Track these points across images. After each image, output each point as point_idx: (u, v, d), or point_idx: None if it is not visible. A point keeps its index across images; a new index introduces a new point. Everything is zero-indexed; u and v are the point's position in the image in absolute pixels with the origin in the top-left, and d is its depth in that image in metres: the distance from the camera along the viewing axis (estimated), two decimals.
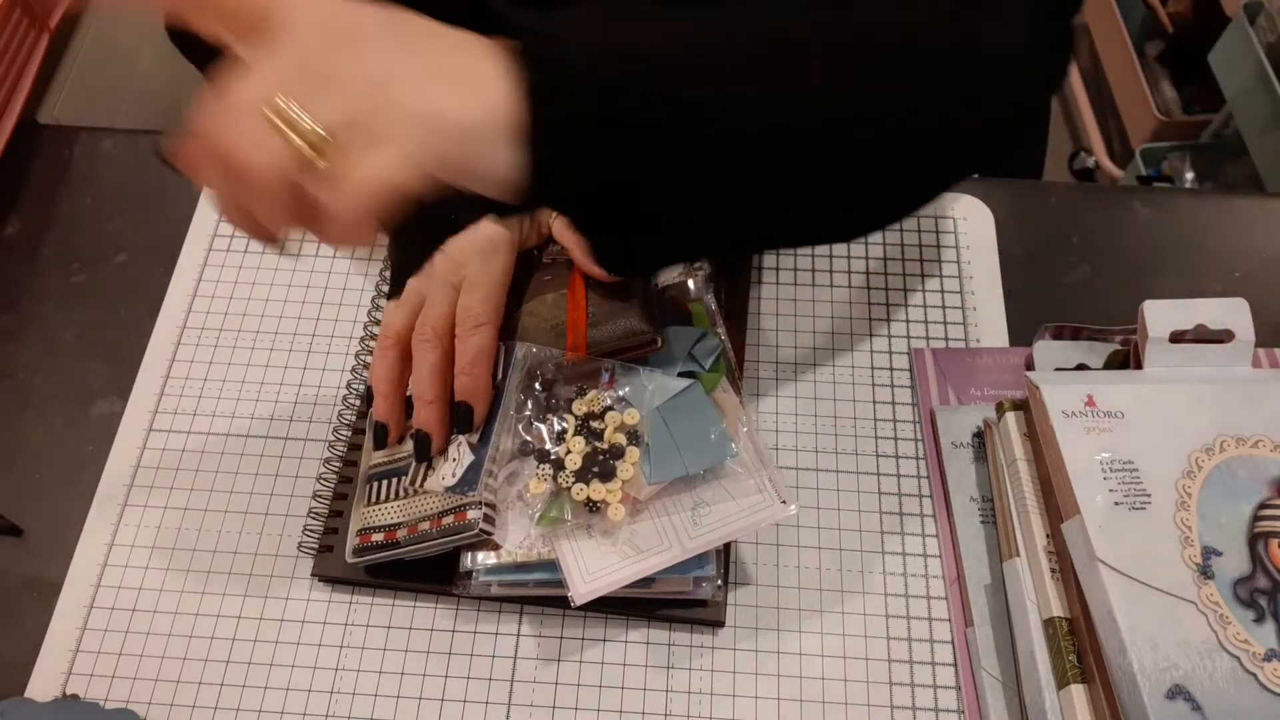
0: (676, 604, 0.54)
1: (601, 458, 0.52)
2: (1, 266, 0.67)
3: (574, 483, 0.51)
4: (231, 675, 0.54)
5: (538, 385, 0.54)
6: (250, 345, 0.64)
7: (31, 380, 0.63)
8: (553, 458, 0.52)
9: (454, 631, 0.55)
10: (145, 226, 0.69)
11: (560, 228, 0.58)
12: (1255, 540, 0.48)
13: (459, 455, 0.53)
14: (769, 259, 0.66)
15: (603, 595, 0.49)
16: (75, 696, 0.53)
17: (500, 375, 0.55)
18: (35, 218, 0.69)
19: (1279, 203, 0.70)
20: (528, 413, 0.54)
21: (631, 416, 0.52)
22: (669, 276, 0.58)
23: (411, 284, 0.57)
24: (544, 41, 0.38)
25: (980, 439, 0.58)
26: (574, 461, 0.51)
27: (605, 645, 0.54)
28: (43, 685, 0.54)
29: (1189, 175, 1.61)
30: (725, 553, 0.55)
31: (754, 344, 0.63)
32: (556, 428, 0.53)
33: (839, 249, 0.67)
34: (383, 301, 0.62)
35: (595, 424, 0.52)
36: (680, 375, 0.54)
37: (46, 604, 0.56)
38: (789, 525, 0.57)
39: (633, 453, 0.51)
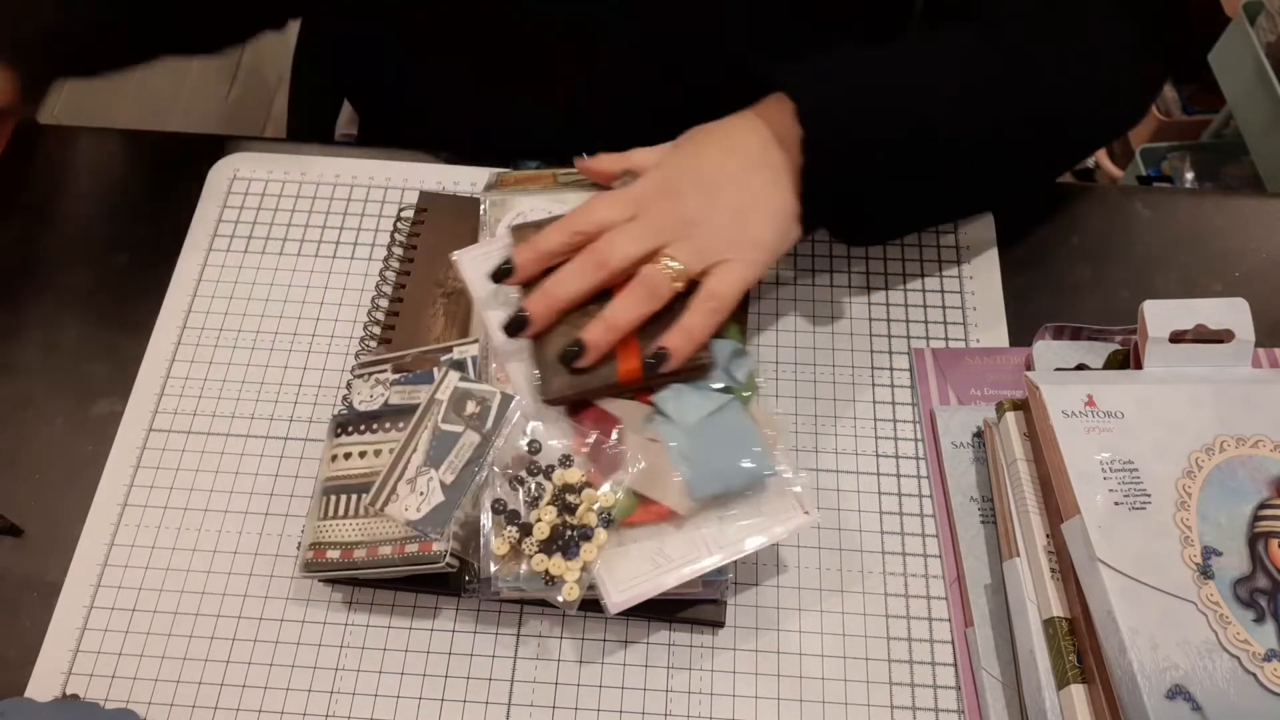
0: (679, 604, 0.54)
1: (569, 533, 0.51)
2: (1, 266, 0.67)
3: (536, 552, 0.50)
4: (231, 675, 0.54)
5: (525, 442, 0.53)
6: (250, 345, 0.64)
7: (31, 380, 0.63)
8: (521, 522, 0.51)
9: (454, 631, 0.55)
10: (145, 226, 0.69)
11: None
12: (1255, 540, 0.48)
13: (427, 490, 0.53)
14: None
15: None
16: (75, 696, 0.53)
17: (490, 424, 0.54)
18: (35, 218, 0.69)
19: (1279, 203, 0.70)
20: (509, 469, 0.53)
21: (607, 499, 0.51)
22: None
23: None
24: (815, 156, 0.55)
25: (980, 439, 0.58)
26: (541, 531, 0.51)
27: (605, 645, 0.54)
28: (43, 685, 0.54)
29: (1189, 175, 1.61)
30: None
31: (754, 344, 0.63)
32: (533, 492, 0.52)
33: (839, 249, 0.67)
34: (383, 302, 0.62)
35: (571, 498, 0.52)
36: (717, 390, 0.54)
37: (46, 604, 0.56)
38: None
39: (600, 535, 0.50)
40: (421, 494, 0.53)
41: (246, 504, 0.58)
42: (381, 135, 0.77)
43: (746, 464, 0.51)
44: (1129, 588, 0.46)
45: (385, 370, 0.58)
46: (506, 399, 0.55)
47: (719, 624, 0.54)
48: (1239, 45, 1.40)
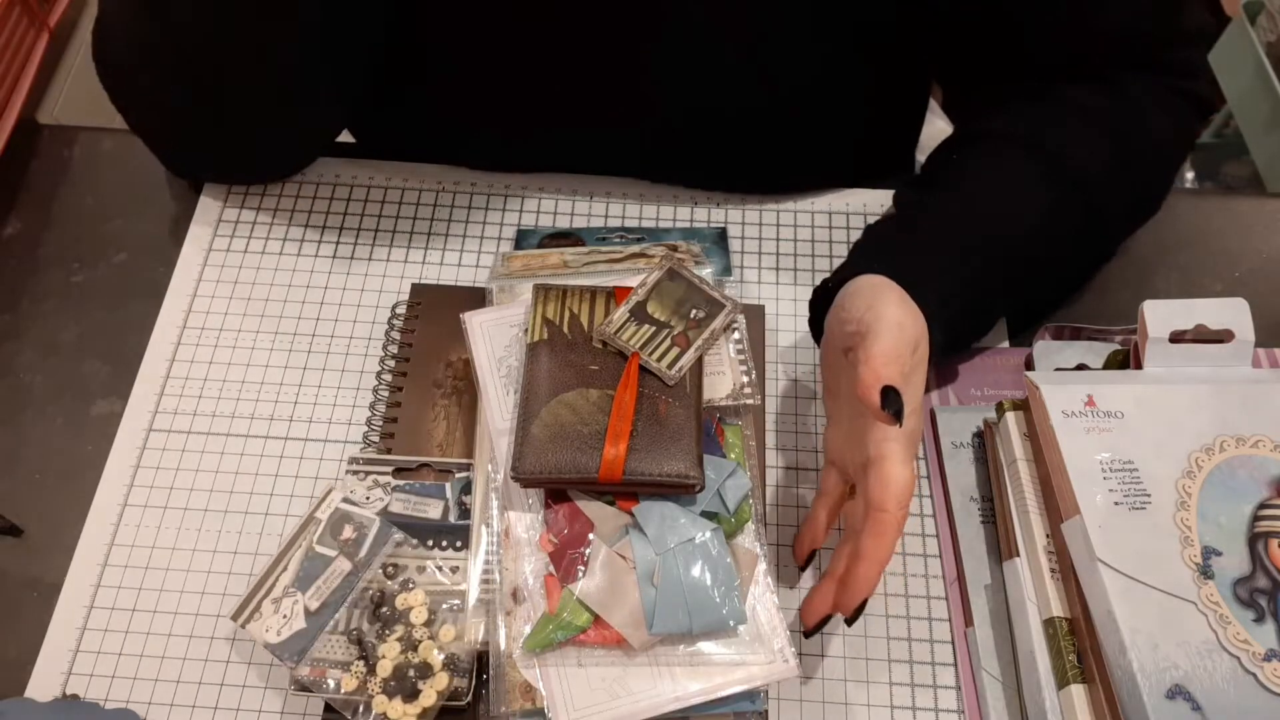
0: None
1: (410, 673, 0.49)
2: (1, 266, 0.67)
3: (379, 692, 0.49)
4: (231, 675, 0.54)
5: (393, 567, 0.52)
6: (250, 345, 0.64)
7: (31, 380, 0.63)
8: (366, 658, 0.50)
9: None
10: (145, 226, 0.69)
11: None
12: (1255, 540, 0.48)
13: (291, 613, 0.51)
14: (768, 260, 0.66)
15: None
16: (75, 696, 0.53)
17: (364, 552, 0.52)
18: (35, 218, 0.69)
19: (1279, 203, 0.70)
20: (374, 592, 0.52)
21: (449, 634, 0.50)
22: (720, 395, 0.54)
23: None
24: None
25: (980, 439, 0.58)
26: (384, 669, 0.49)
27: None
28: (43, 685, 0.54)
29: (1189, 175, 1.61)
30: None
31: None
32: (382, 620, 0.51)
33: (839, 251, 0.67)
34: (381, 407, 0.60)
35: (417, 634, 0.50)
36: (703, 514, 0.50)
37: (46, 604, 0.56)
38: (789, 525, 0.57)
39: (440, 680, 0.49)
40: (285, 617, 0.51)
41: (246, 504, 0.58)
42: (382, 143, 0.76)
43: (716, 607, 0.48)
44: (1129, 588, 0.46)
45: (386, 474, 0.57)
46: (385, 529, 0.53)
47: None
48: (1239, 45, 1.40)
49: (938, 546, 0.57)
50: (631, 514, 0.50)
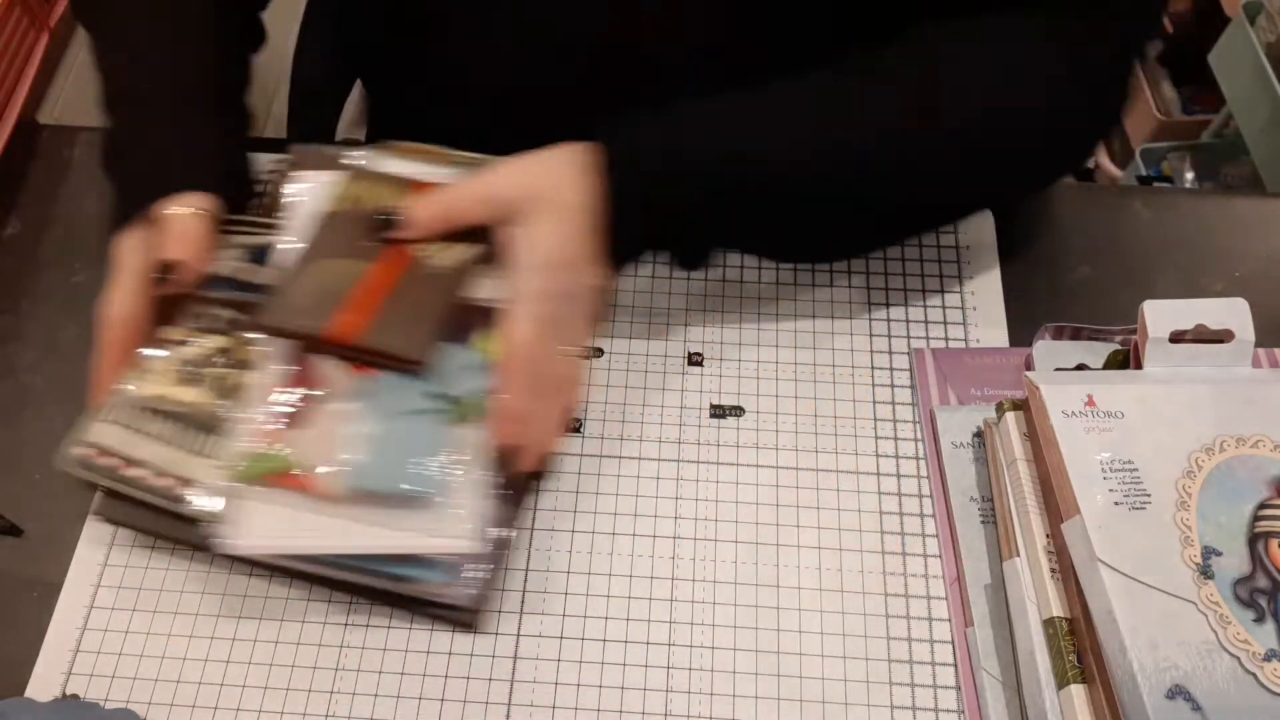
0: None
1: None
2: (1, 266, 0.67)
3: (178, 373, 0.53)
4: (231, 675, 0.54)
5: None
6: None
7: (31, 380, 0.63)
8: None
9: (454, 632, 0.55)
10: None
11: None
12: (1255, 540, 0.48)
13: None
14: (769, 260, 0.66)
15: (257, 556, 0.51)
16: (75, 696, 0.53)
17: None
18: (35, 218, 0.69)
19: (1279, 203, 0.70)
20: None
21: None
22: (493, 293, 0.55)
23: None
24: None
25: (980, 439, 0.58)
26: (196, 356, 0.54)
27: (605, 645, 0.54)
28: (43, 685, 0.54)
29: (1189, 175, 1.61)
30: (501, 556, 0.55)
31: (754, 343, 0.63)
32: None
33: None
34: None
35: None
36: (435, 395, 0.52)
37: (46, 604, 0.56)
38: (789, 525, 0.57)
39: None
40: None
41: None
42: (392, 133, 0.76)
43: (416, 476, 0.50)
44: (1129, 588, 0.46)
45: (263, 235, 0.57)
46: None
47: (469, 619, 0.54)
48: (1239, 45, 1.40)
49: (938, 546, 0.57)
50: (367, 382, 0.53)
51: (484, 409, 0.53)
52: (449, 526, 0.50)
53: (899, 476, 0.59)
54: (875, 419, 0.61)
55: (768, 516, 0.58)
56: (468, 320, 0.54)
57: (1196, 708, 0.44)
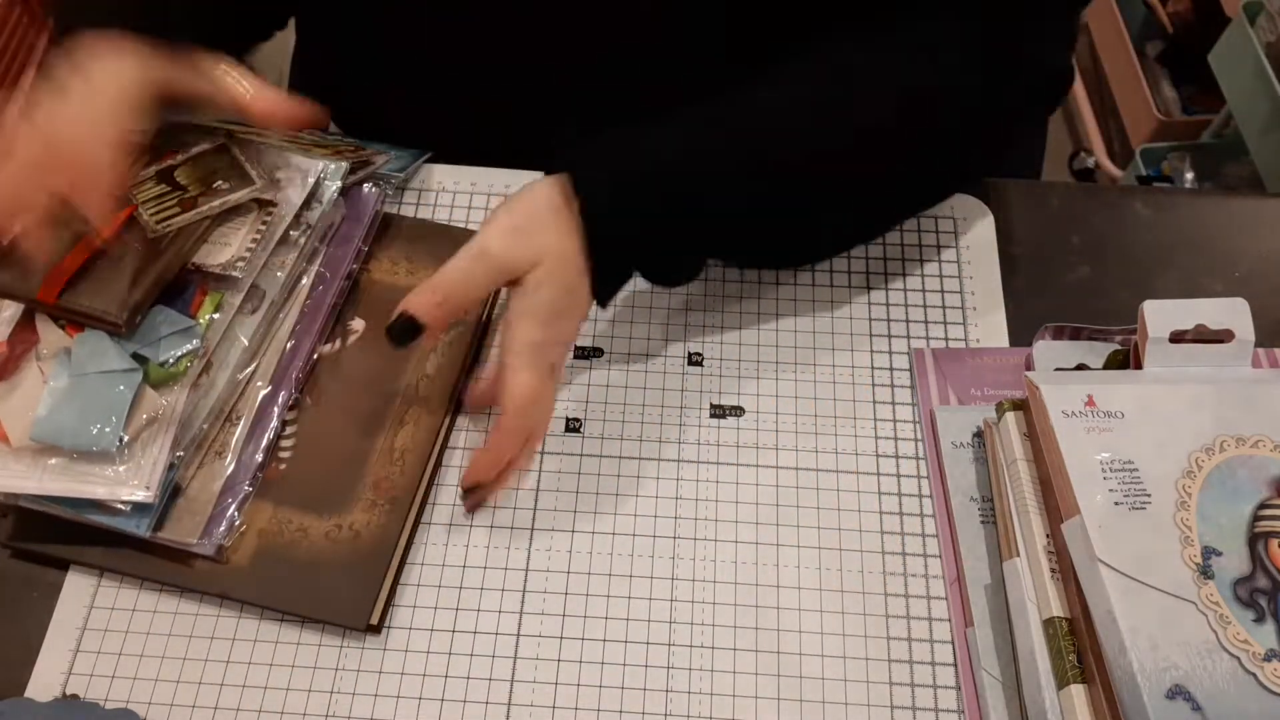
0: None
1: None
2: None
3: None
4: (231, 675, 0.54)
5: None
6: None
7: None
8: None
9: (454, 631, 0.55)
10: None
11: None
12: (1255, 540, 0.48)
13: None
14: (751, 269, 0.66)
15: None
16: (75, 696, 0.53)
17: None
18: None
19: (1279, 203, 0.70)
20: None
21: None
22: (209, 261, 0.58)
23: None
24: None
25: (980, 439, 0.58)
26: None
27: (605, 645, 0.54)
28: (43, 685, 0.54)
29: (1189, 175, 1.61)
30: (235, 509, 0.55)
31: (754, 343, 0.63)
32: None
33: None
34: None
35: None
36: (134, 354, 0.55)
37: (46, 604, 0.56)
38: (789, 525, 0.57)
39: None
40: None
41: None
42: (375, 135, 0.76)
43: (94, 433, 0.52)
44: (1129, 588, 0.46)
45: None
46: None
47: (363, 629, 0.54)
48: (1239, 45, 1.40)
49: (938, 546, 0.57)
50: (77, 341, 0.55)
51: (176, 376, 0.55)
52: (122, 478, 0.53)
53: (899, 476, 0.59)
54: (875, 419, 0.61)
55: (767, 516, 0.58)
56: (188, 283, 0.57)
57: (1196, 708, 0.44)
